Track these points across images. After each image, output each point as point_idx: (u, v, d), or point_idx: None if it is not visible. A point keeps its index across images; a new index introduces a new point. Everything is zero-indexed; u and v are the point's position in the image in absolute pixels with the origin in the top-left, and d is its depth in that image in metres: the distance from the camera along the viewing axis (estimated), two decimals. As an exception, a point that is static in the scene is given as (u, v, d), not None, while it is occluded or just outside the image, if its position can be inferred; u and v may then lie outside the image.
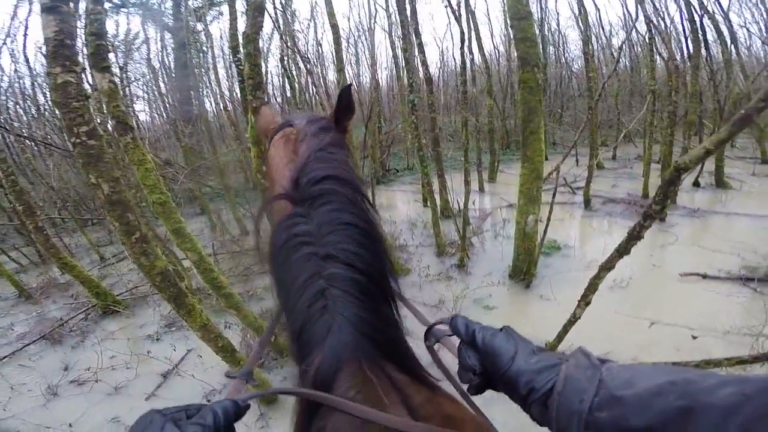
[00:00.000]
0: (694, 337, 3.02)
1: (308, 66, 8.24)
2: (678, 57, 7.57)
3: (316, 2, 15.87)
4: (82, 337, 4.38)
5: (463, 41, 6.48)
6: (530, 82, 3.81)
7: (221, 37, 14.01)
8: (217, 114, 13.19)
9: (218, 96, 11.34)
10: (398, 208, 8.23)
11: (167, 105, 11.90)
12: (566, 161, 4.65)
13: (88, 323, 4.68)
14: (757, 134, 8.25)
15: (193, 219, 8.58)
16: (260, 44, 2.90)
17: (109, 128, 4.37)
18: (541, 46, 11.29)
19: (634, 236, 1.83)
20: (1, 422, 3.16)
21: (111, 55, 2.26)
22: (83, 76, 1.70)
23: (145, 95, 13.48)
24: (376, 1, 12.28)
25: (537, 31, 5.50)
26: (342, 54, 6.66)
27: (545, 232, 4.08)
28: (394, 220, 6.76)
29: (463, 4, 8.11)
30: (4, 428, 3.11)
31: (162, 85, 12.12)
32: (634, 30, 10.14)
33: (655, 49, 7.16)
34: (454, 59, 16.19)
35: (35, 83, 10.48)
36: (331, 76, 14.02)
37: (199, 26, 10.11)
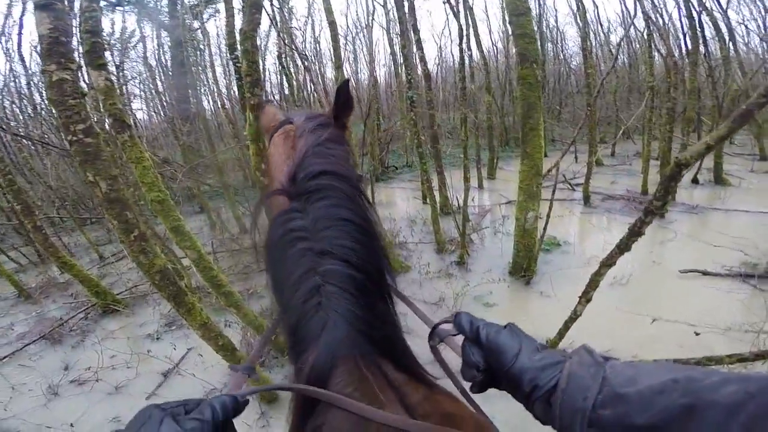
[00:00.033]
0: (697, 334, 3.02)
1: (306, 63, 8.20)
2: (676, 54, 7.55)
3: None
4: (82, 336, 4.38)
5: (461, 37, 6.45)
6: (529, 78, 3.80)
7: (218, 35, 13.96)
8: (214, 112, 13.15)
9: (216, 94, 11.32)
10: (397, 205, 8.22)
11: (165, 103, 11.85)
12: (565, 158, 4.64)
13: (88, 322, 4.67)
14: (755, 131, 8.25)
15: (192, 217, 8.57)
16: (257, 41, 2.88)
17: (107, 127, 4.34)
18: (539, 43, 11.25)
19: (635, 232, 1.82)
20: (1, 422, 3.16)
21: (107, 54, 2.24)
22: (79, 74, 1.68)
23: (143, 94, 13.43)
24: (374, -2, 12.20)
25: (535, 28, 5.47)
26: (340, 51, 6.64)
27: (545, 228, 4.07)
28: (393, 217, 6.75)
29: (461, 0, 8.08)
30: (5, 428, 3.10)
31: (159, 83, 12.06)
32: (632, 27, 10.10)
33: (653, 46, 7.16)
34: (452, 56, 16.13)
35: (31, 82, 10.42)
36: (329, 73, 14.00)
37: (196, 24, 10.07)
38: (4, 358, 4.08)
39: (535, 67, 3.82)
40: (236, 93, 9.16)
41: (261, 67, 3.19)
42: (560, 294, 3.94)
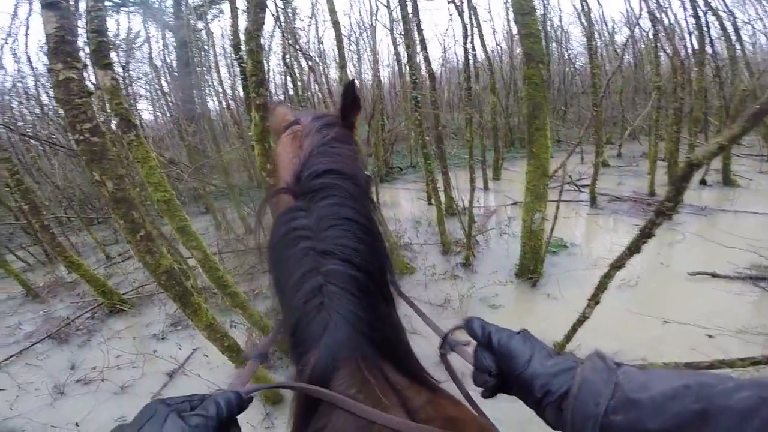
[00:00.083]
0: (710, 336, 2.98)
1: (310, 63, 8.20)
2: (682, 54, 7.49)
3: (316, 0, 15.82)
4: (89, 336, 4.40)
5: (466, 37, 6.43)
6: (535, 78, 3.77)
7: (222, 36, 14.01)
8: (219, 112, 13.19)
9: (220, 94, 11.34)
10: (402, 206, 8.20)
11: (170, 104, 11.90)
12: (571, 159, 4.62)
13: (95, 322, 4.69)
14: (763, 131, 8.15)
15: (198, 218, 8.60)
16: (262, 42, 2.87)
17: (113, 127, 4.36)
18: (544, 43, 11.21)
19: (645, 234, 1.80)
20: (7, 421, 3.17)
21: (113, 54, 2.24)
22: (85, 73, 1.68)
23: (148, 94, 13.50)
24: (377, -2, 12.22)
25: (539, 27, 5.43)
26: (344, 51, 6.63)
27: (552, 229, 4.04)
28: (398, 218, 6.74)
29: (465, 0, 8.05)
30: (10, 427, 3.11)
31: (164, 83, 12.12)
32: (637, 27, 10.03)
33: (659, 46, 7.09)
34: (456, 56, 16.13)
35: (38, 83, 10.50)
36: (333, 73, 14.01)
37: (200, 24, 10.12)
38: (12, 356, 4.11)
39: (541, 66, 3.79)
40: (241, 93, 9.20)
41: (265, 67, 3.18)
42: (567, 296, 3.91)
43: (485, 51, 9.73)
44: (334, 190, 0.68)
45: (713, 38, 7.54)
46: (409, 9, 5.47)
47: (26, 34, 8.96)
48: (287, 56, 9.78)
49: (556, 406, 0.46)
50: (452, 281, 4.50)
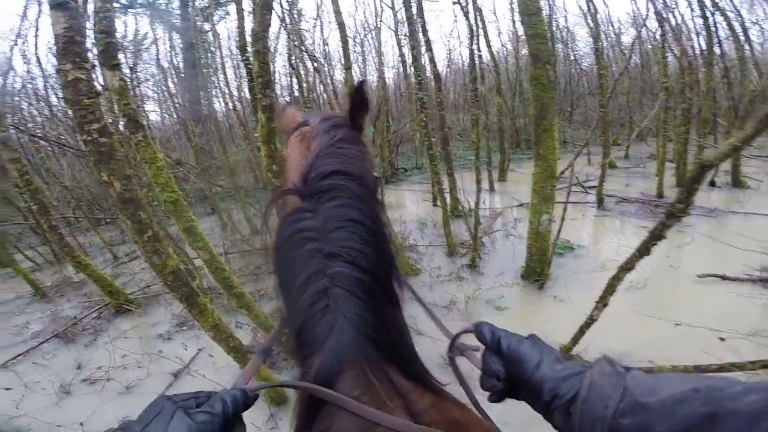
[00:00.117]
0: (722, 339, 2.94)
1: (316, 64, 8.21)
2: (690, 54, 7.41)
3: (321, 1, 15.86)
4: (95, 335, 4.42)
5: (472, 38, 6.40)
6: (542, 79, 3.74)
7: (228, 37, 14.10)
8: (226, 114, 13.26)
9: (227, 96, 11.40)
10: (407, 207, 8.18)
11: (177, 105, 11.98)
12: (578, 160, 4.58)
13: (101, 322, 4.72)
14: (774, 132, 8.04)
15: (204, 218, 8.63)
16: (268, 43, 2.88)
17: (120, 128, 4.39)
18: (550, 44, 11.14)
19: (656, 236, 1.77)
20: (13, 420, 3.19)
21: (120, 56, 2.25)
22: (93, 75, 1.69)
23: (155, 95, 13.61)
24: (382, -1, 12.20)
25: (545, 28, 5.38)
26: (349, 52, 6.63)
27: (559, 231, 4.01)
28: (403, 219, 6.73)
29: (470, 1, 8.03)
30: (16, 426, 3.13)
31: (171, 85, 12.21)
32: (644, 27, 9.94)
33: (667, 46, 7.03)
34: (461, 57, 16.07)
35: (47, 84, 10.61)
36: (338, 75, 14.03)
37: (207, 26, 10.17)
38: (19, 355, 4.14)
39: (549, 67, 3.77)
40: (247, 95, 9.24)
41: (271, 69, 3.19)
42: (574, 298, 3.87)
43: (491, 52, 9.71)
44: (341, 192, 0.68)
45: (721, 39, 7.46)
46: (414, 10, 5.46)
47: (36, 36, 9.02)
48: (293, 58, 9.81)
49: (564, 410, 0.46)
50: (458, 283, 4.48)
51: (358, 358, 0.57)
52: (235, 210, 7.80)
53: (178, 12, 10.65)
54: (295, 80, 10.85)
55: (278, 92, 13.23)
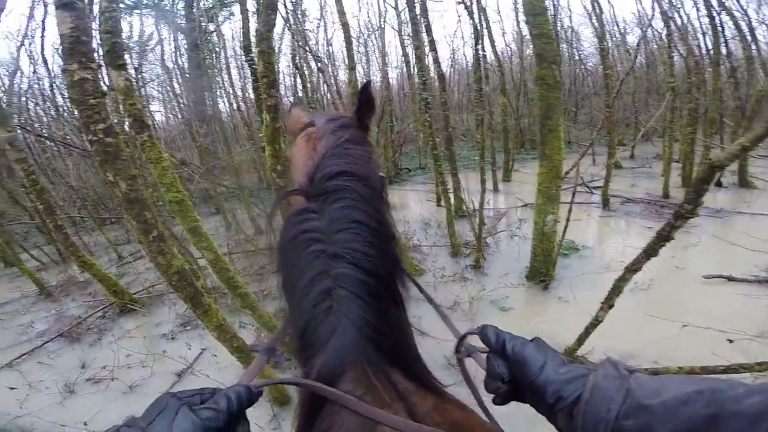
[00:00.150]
0: (730, 341, 2.92)
1: (319, 65, 8.22)
2: (696, 54, 7.36)
3: (325, 2, 15.88)
4: (100, 335, 4.44)
5: (477, 38, 6.38)
6: (548, 79, 3.72)
7: (233, 37, 14.12)
8: (230, 114, 13.31)
9: (231, 96, 11.45)
10: (411, 207, 8.17)
11: (182, 105, 12.04)
12: (582, 160, 4.56)
13: (106, 321, 4.74)
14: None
15: (208, 218, 8.66)
16: (272, 43, 2.88)
17: (126, 128, 4.41)
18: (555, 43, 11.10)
19: (663, 237, 1.75)
20: (18, 420, 3.20)
21: (125, 56, 2.26)
22: (99, 75, 1.69)
23: (160, 96, 13.68)
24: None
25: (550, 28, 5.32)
26: (353, 53, 6.63)
27: (564, 232, 3.98)
28: (407, 219, 6.71)
29: (475, 1, 8.00)
30: (20, 425, 3.14)
31: (176, 85, 12.26)
32: (650, 27, 9.89)
33: (673, 46, 6.98)
34: (465, 57, 16.06)
35: (54, 84, 10.68)
36: (341, 75, 14.04)
37: (211, 27, 10.22)
38: (24, 355, 4.16)
39: (554, 67, 3.74)
40: (251, 95, 9.27)
41: (276, 69, 3.19)
42: (579, 299, 3.85)
43: (495, 52, 9.67)
44: (347, 193, 0.68)
45: (727, 38, 7.39)
46: (418, 10, 5.45)
47: (42, 36, 9.07)
48: (297, 58, 9.83)
49: (567, 412, 0.47)
50: (462, 283, 4.46)
51: (360, 359, 0.57)
52: (239, 210, 7.82)
53: (183, 13, 10.69)
54: (299, 80, 10.86)
55: (282, 92, 13.27)
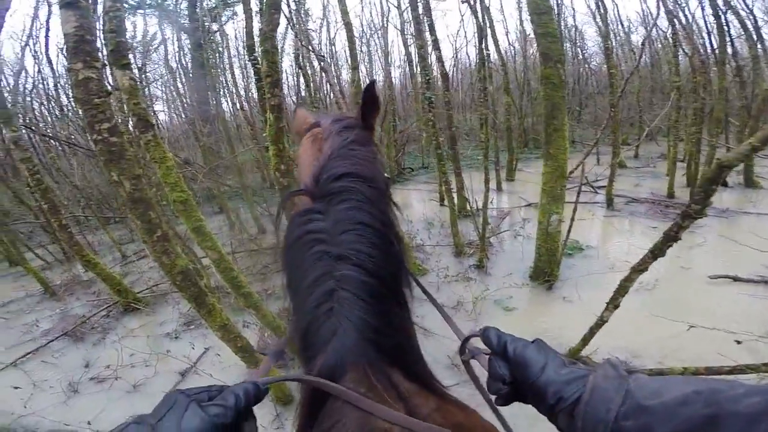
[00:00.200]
0: (738, 342, 2.89)
1: (322, 64, 8.21)
2: (701, 53, 7.31)
3: (328, 1, 15.87)
4: (103, 334, 4.45)
5: (481, 37, 6.36)
6: (553, 78, 3.70)
7: (236, 37, 14.16)
8: (233, 113, 13.34)
9: (234, 96, 11.45)
10: (414, 207, 8.16)
11: (185, 105, 12.08)
12: (587, 160, 4.54)
13: (110, 320, 4.75)
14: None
15: (212, 217, 8.68)
16: (276, 42, 2.88)
17: (130, 128, 4.42)
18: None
19: (671, 237, 1.73)
20: (22, 419, 3.21)
21: (129, 56, 2.26)
22: (103, 74, 1.69)
23: (164, 95, 13.72)
24: (388, -1, 12.18)
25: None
26: (356, 52, 6.62)
27: (569, 232, 3.96)
28: (410, 219, 6.71)
29: (478, 0, 7.97)
30: (24, 425, 3.15)
31: (180, 85, 12.30)
32: (654, 26, 9.82)
33: (678, 46, 6.94)
34: (468, 57, 16.00)
35: (58, 84, 10.73)
36: (344, 74, 14.04)
37: (215, 26, 10.23)
38: (28, 354, 4.18)
39: (559, 66, 3.72)
40: (254, 94, 9.28)
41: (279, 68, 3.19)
42: (583, 299, 3.83)
43: (499, 51, 9.64)
44: (352, 194, 0.68)
45: (733, 37, 7.34)
46: (420, 10, 5.44)
47: (46, 36, 9.11)
48: (300, 57, 9.83)
49: (568, 413, 0.47)
50: (465, 283, 4.44)
51: (360, 361, 0.57)
52: (242, 209, 7.83)
53: (186, 12, 10.72)
54: (302, 80, 10.88)
55: (285, 92, 13.29)
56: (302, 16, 8.90)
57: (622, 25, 14.26)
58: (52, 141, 9.57)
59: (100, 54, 1.71)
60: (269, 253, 5.45)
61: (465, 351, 0.69)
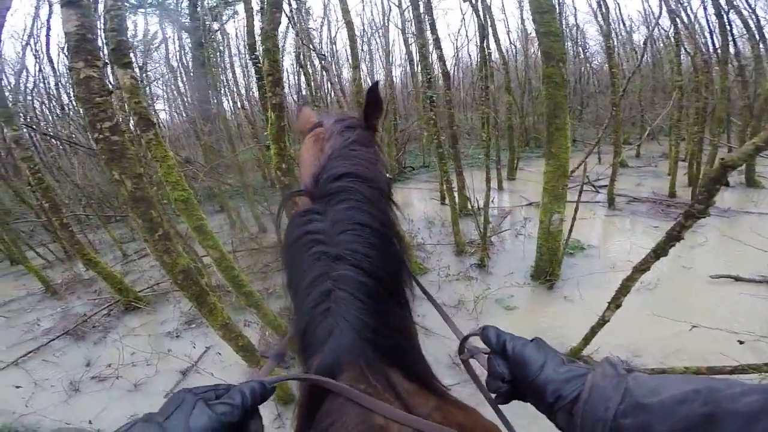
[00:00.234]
0: (741, 342, 2.89)
1: (323, 63, 8.20)
2: (704, 52, 7.29)
3: (329, 0, 15.83)
4: (105, 333, 4.45)
5: (483, 36, 6.34)
6: (555, 77, 3.69)
7: (237, 36, 14.15)
8: (234, 112, 13.34)
9: (235, 94, 11.46)
10: (415, 206, 8.16)
11: (186, 104, 12.08)
12: (588, 159, 4.53)
13: (111, 319, 4.75)
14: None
15: (212, 216, 8.68)
16: (277, 41, 2.87)
17: (131, 126, 4.42)
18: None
19: (674, 236, 1.73)
20: (23, 418, 3.21)
21: (131, 55, 2.25)
22: (104, 73, 1.68)
23: (165, 94, 13.72)
24: (389, -2, 12.16)
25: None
26: (357, 51, 6.61)
27: (570, 231, 3.95)
28: (411, 218, 6.70)
29: (480, -1, 7.95)
30: (26, 424, 3.15)
31: (181, 84, 12.30)
32: (657, 26, 9.79)
33: (681, 45, 6.92)
34: (469, 55, 15.96)
35: (59, 83, 10.74)
36: (345, 73, 14.03)
37: (216, 25, 10.22)
38: (29, 353, 4.18)
39: (561, 65, 3.71)
40: (255, 93, 9.27)
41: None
42: (584, 298, 3.82)
43: (500, 50, 9.63)
44: (351, 194, 0.68)
45: (735, 37, 7.32)
46: (421, 9, 5.43)
47: (47, 36, 9.10)
48: (301, 56, 9.82)
49: (567, 411, 0.47)
50: (466, 282, 4.44)
51: (358, 361, 0.57)
52: (243, 208, 7.83)
53: (187, 11, 10.71)
54: (303, 79, 10.87)
55: (286, 91, 13.27)
56: (303, 14, 8.88)
57: (624, 24, 14.26)
58: (53, 140, 9.59)
59: (101, 53, 1.70)
60: (270, 251, 5.45)
61: (464, 350, 0.69)
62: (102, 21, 2.45)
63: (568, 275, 4.33)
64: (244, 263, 5.49)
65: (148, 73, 10.06)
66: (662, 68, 13.73)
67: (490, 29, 8.57)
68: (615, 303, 2.45)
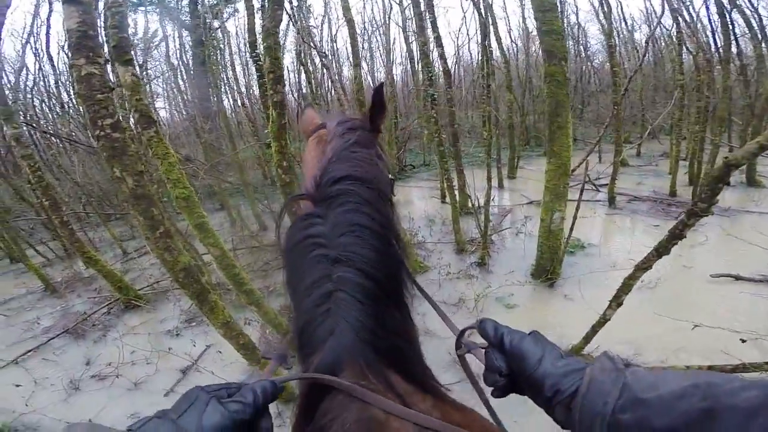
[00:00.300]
0: (743, 341, 2.89)
1: (324, 61, 8.19)
2: (706, 51, 7.27)
3: (329, -2, 15.77)
4: (104, 331, 4.45)
5: (485, 34, 6.33)
6: (558, 76, 3.68)
7: (237, 34, 14.13)
8: (235, 110, 13.33)
9: (236, 92, 11.44)
10: (415, 204, 8.15)
11: (186, 102, 12.06)
12: (589, 158, 4.52)
13: (111, 317, 4.75)
14: (792, 130, 7.85)
15: (213, 214, 8.67)
16: (279, 38, 2.86)
17: (131, 125, 4.41)
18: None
19: (676, 235, 1.72)
20: (23, 417, 3.20)
21: (131, 52, 2.24)
22: (106, 70, 1.68)
23: (165, 92, 13.70)
24: (390, -4, 12.13)
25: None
26: (358, 49, 6.59)
27: (571, 230, 3.95)
28: (411, 216, 6.70)
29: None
30: (26, 423, 3.14)
31: (181, 82, 12.28)
32: (659, 25, 9.76)
33: (683, 44, 6.90)
34: (470, 54, 15.95)
35: (59, 82, 10.71)
36: (346, 72, 14.01)
37: (216, 23, 10.19)
38: (29, 351, 4.17)
39: (564, 64, 3.70)
40: (255, 91, 9.26)
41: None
42: (585, 297, 3.82)
43: (501, 49, 9.62)
44: (350, 197, 0.69)
45: (738, 36, 7.31)
46: (422, 6, 5.41)
47: (47, 34, 9.08)
48: (302, 54, 9.80)
49: (565, 405, 0.47)
50: (467, 281, 4.44)
51: (357, 360, 0.57)
52: (243, 206, 7.82)
53: (188, 9, 10.67)
54: (303, 76, 10.85)
55: (287, 89, 13.25)
56: (304, 12, 8.87)
57: (626, 22, 14.21)
58: (53, 138, 9.56)
59: (102, 50, 1.69)
60: (270, 250, 5.45)
61: (461, 345, 0.69)
62: (103, 18, 2.44)
63: (569, 274, 4.32)
64: (245, 261, 5.48)
65: (149, 71, 10.04)
66: (664, 67, 13.72)
67: (491, 27, 8.55)
68: (616, 301, 2.44)
